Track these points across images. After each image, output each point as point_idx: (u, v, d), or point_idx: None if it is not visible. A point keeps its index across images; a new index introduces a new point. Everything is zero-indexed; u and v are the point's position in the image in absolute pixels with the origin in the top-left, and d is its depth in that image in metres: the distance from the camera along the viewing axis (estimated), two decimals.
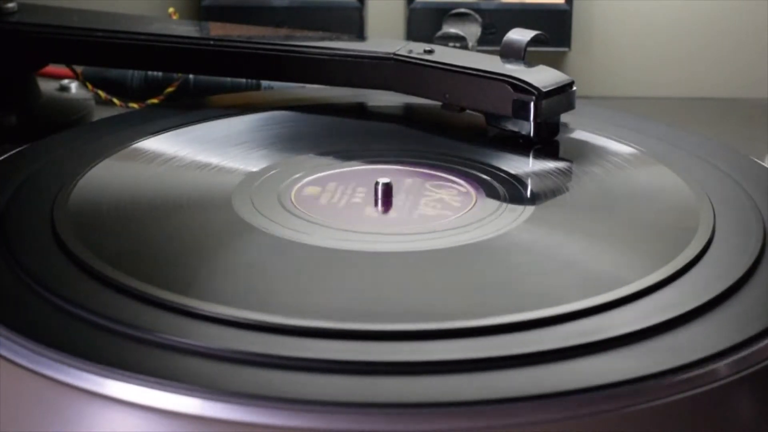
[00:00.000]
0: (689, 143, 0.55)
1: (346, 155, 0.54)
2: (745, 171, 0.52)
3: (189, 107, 0.61)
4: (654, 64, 0.85)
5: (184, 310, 0.38)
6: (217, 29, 0.66)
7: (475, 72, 0.55)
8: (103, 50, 0.63)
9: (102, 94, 0.71)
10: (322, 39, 0.63)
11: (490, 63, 0.56)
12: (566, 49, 0.83)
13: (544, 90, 0.53)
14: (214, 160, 0.52)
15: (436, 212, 0.47)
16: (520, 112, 0.54)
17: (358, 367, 0.35)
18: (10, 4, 0.65)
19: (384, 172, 0.51)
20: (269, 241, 0.44)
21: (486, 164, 0.52)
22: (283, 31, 0.69)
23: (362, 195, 0.49)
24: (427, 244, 0.44)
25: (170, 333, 0.37)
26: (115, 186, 0.49)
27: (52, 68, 0.73)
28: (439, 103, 0.58)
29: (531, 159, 0.54)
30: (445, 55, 0.58)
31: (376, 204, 0.48)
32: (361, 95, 0.62)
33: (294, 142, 0.55)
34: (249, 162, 0.52)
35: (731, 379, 0.36)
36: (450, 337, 0.37)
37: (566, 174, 0.52)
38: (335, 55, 0.60)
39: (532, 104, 0.53)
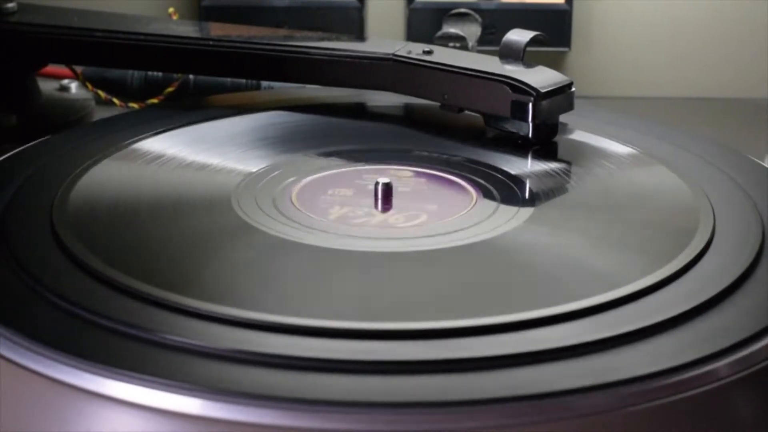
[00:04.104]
0: (688, 143, 0.55)
1: (346, 155, 0.54)
2: (745, 171, 0.52)
3: (189, 107, 0.61)
4: (654, 64, 0.85)
5: (184, 310, 0.38)
6: (217, 29, 0.66)
7: (473, 73, 0.55)
8: (103, 50, 0.63)
9: (102, 94, 0.71)
10: (322, 39, 0.63)
11: (489, 64, 0.56)
12: (566, 49, 0.83)
13: (543, 91, 0.53)
14: (214, 160, 0.52)
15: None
16: (519, 113, 0.54)
17: (359, 367, 0.35)
18: (10, 4, 0.65)
19: (384, 172, 0.51)
20: (269, 241, 0.44)
21: (486, 164, 0.52)
22: (283, 32, 0.69)
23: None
24: (427, 244, 0.44)
25: (170, 333, 0.37)
26: (114, 186, 0.49)
27: (52, 68, 0.73)
28: (439, 104, 0.58)
29: (531, 159, 0.54)
30: (444, 55, 0.58)
31: (376, 204, 0.48)
32: (361, 95, 0.62)
33: (294, 142, 0.55)
34: (249, 162, 0.52)
35: (731, 379, 0.36)
36: (450, 337, 0.37)
37: (566, 174, 0.52)
38: (335, 55, 0.60)
39: (530, 105, 0.53)
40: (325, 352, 0.36)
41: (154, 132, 0.55)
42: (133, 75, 0.72)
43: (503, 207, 0.48)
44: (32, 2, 0.66)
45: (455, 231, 0.45)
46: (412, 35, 0.82)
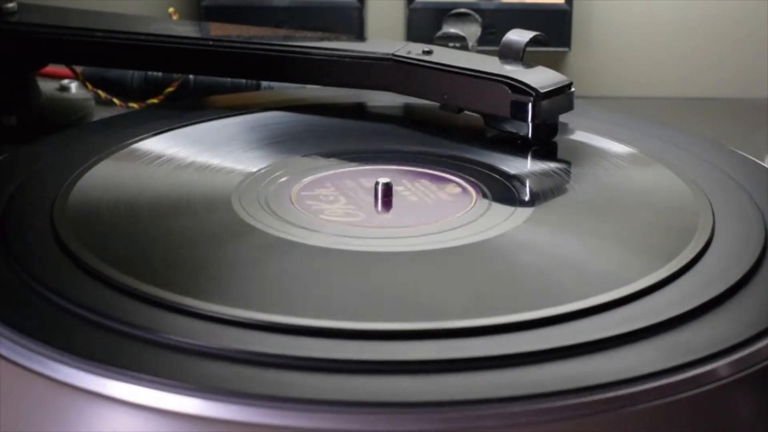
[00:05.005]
0: (688, 143, 0.55)
1: (346, 155, 0.54)
2: (745, 171, 0.52)
3: (189, 107, 0.61)
4: (654, 64, 0.85)
5: (184, 310, 0.38)
6: (217, 29, 0.66)
7: (473, 73, 0.55)
8: (103, 50, 0.63)
9: (102, 94, 0.71)
10: (322, 39, 0.63)
11: (489, 64, 0.56)
12: (566, 49, 0.83)
13: (542, 91, 0.53)
14: (214, 160, 0.52)
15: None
16: (518, 114, 0.54)
17: (358, 367, 0.35)
18: (10, 4, 0.65)
19: (384, 172, 0.51)
20: (269, 241, 0.44)
21: (485, 165, 0.52)
22: (283, 32, 0.69)
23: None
24: (427, 244, 0.44)
25: (170, 333, 0.37)
26: (114, 186, 0.49)
27: (52, 68, 0.73)
28: (438, 104, 0.58)
29: (530, 159, 0.54)
30: (443, 55, 0.58)
31: (376, 204, 0.48)
32: (360, 95, 0.62)
33: (294, 142, 0.55)
34: (249, 162, 0.52)
35: (731, 379, 0.36)
36: (450, 337, 0.37)
37: (566, 174, 0.52)
38: (334, 55, 0.60)
39: (530, 105, 0.53)
40: (324, 352, 0.36)
41: (154, 132, 0.55)
42: (133, 75, 0.72)
43: (503, 207, 0.48)
44: (32, 2, 0.66)
45: (455, 231, 0.45)
46: (412, 35, 0.82)
